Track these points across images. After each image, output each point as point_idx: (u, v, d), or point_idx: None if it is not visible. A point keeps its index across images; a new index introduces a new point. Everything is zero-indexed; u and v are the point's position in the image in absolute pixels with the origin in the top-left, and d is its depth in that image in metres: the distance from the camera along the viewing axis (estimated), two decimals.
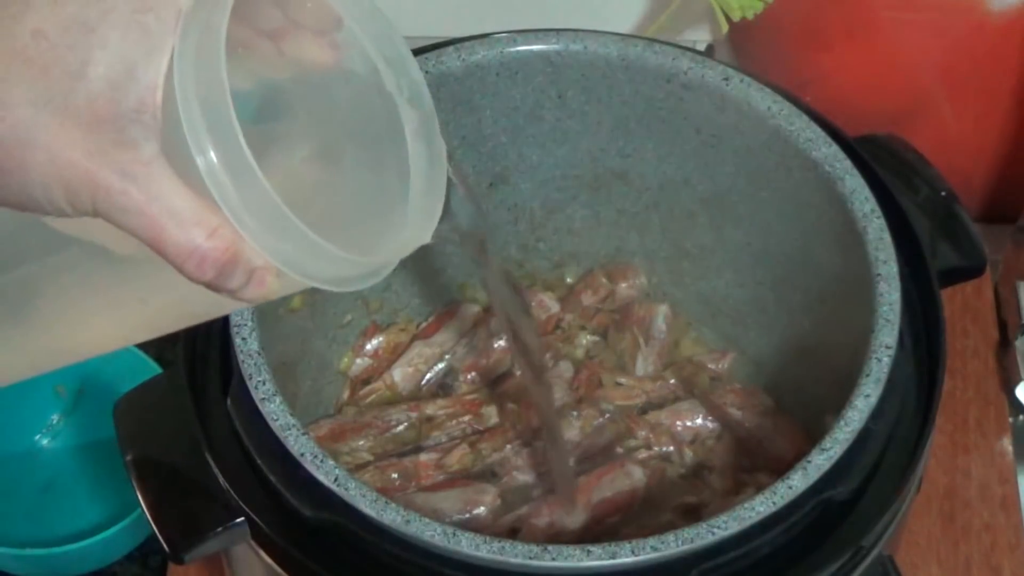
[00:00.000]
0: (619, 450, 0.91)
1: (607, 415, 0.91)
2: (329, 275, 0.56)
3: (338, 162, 0.60)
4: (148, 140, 0.52)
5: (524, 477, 0.89)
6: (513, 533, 0.85)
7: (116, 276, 0.58)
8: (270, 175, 0.52)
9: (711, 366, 0.96)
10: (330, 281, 0.56)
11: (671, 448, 0.91)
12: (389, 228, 0.60)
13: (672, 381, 0.95)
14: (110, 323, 0.61)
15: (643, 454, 0.90)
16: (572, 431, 0.90)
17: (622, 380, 0.94)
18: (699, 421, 0.92)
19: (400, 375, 0.96)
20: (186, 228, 0.52)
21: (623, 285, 0.99)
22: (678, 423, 0.92)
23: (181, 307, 0.60)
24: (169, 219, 0.52)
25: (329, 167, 0.54)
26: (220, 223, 0.53)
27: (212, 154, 0.52)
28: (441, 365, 0.96)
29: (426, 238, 0.60)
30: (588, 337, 0.98)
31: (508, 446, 0.90)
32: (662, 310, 0.97)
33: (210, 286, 0.54)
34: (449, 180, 0.62)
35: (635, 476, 0.88)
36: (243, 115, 0.52)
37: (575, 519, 0.85)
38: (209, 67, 0.52)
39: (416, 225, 0.60)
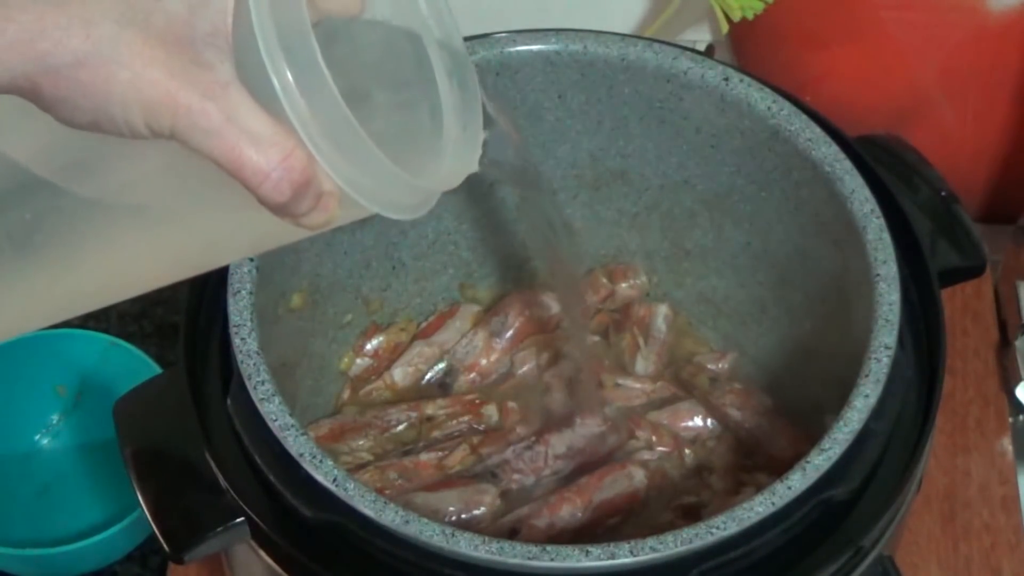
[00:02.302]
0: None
1: (609, 423, 0.91)
2: (389, 200, 0.56)
3: (366, 105, 0.60)
4: (223, 63, 0.53)
5: (525, 480, 0.89)
6: (513, 534, 0.85)
7: (164, 214, 0.58)
8: None
9: (711, 366, 0.95)
10: (389, 207, 0.56)
11: (672, 449, 0.91)
12: (426, 165, 0.60)
13: (672, 381, 0.95)
14: (152, 261, 0.61)
15: (645, 455, 0.90)
16: (576, 438, 0.90)
17: (622, 381, 0.94)
18: (699, 421, 0.92)
19: (400, 375, 0.96)
20: (264, 149, 0.53)
21: (623, 285, 0.98)
22: (678, 423, 0.92)
23: (231, 242, 0.61)
24: (247, 140, 0.52)
25: (357, 111, 0.54)
26: (296, 144, 0.53)
27: (288, 74, 0.52)
28: (441, 365, 0.97)
29: (472, 167, 0.61)
30: (588, 337, 0.97)
31: (510, 449, 0.89)
32: (662, 310, 0.97)
33: (280, 209, 0.54)
34: (488, 115, 0.63)
35: (636, 478, 0.88)
36: None
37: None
38: None
39: (459, 157, 0.61)
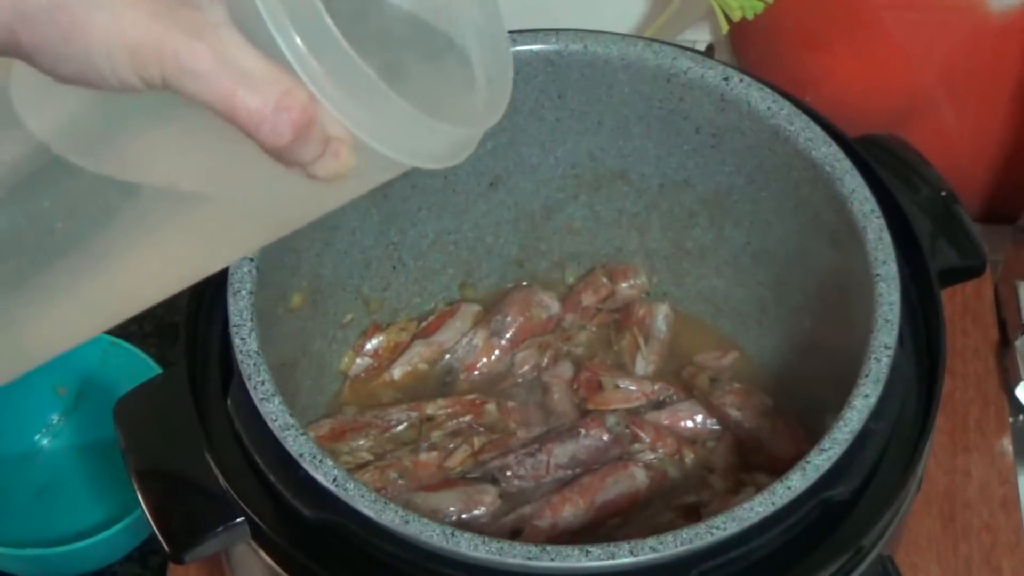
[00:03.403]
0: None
1: (612, 436, 0.90)
2: (408, 145, 0.53)
3: (401, 74, 0.58)
4: (213, 4, 0.51)
5: (525, 486, 0.88)
6: (515, 534, 0.85)
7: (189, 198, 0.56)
8: None
9: (711, 366, 0.96)
10: (409, 152, 0.53)
11: (674, 449, 0.91)
12: (450, 114, 0.57)
13: (672, 381, 0.95)
14: (185, 247, 0.58)
15: (648, 455, 0.90)
16: (579, 449, 0.90)
17: (621, 383, 0.94)
18: (699, 421, 0.92)
19: (400, 375, 0.96)
20: (259, 89, 0.50)
21: (623, 285, 0.99)
22: (678, 423, 0.92)
23: (260, 218, 0.58)
24: (241, 81, 0.50)
25: (394, 81, 0.53)
26: (294, 84, 0.50)
27: (282, 10, 0.50)
28: (441, 364, 0.96)
29: (498, 115, 0.58)
30: (588, 337, 0.98)
31: (511, 456, 0.89)
32: (662, 310, 0.97)
33: (285, 156, 0.51)
34: None
35: (638, 479, 0.88)
36: None
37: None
38: None
39: (486, 108, 0.58)
